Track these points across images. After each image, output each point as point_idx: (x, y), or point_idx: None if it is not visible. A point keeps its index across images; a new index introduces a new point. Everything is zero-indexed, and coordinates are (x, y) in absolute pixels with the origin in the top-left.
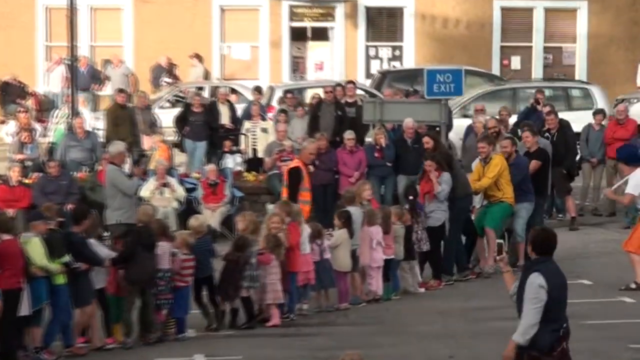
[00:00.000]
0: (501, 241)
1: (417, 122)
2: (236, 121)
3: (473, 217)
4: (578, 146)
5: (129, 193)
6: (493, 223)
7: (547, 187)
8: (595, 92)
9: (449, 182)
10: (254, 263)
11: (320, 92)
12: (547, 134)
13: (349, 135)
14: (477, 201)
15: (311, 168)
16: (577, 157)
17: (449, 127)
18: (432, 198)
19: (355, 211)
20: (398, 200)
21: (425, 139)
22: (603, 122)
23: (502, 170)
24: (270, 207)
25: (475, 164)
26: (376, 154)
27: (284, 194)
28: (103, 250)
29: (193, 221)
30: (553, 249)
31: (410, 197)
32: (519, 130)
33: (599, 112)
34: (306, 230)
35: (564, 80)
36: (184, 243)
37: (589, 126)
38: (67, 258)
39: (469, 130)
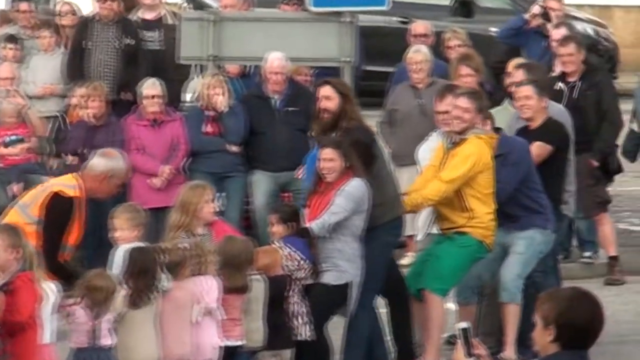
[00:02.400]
0: (465, 325)
1: (294, 60)
2: None
3: (406, 262)
4: (625, 115)
5: None
6: (441, 280)
7: (561, 196)
8: None
9: (359, 198)
10: None
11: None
12: (560, 87)
13: (149, 89)
14: (421, 228)
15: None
16: (622, 137)
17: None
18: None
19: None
20: (252, 225)
21: (325, 93)
22: None
23: (477, 169)
24: None
25: (430, 152)
26: (207, 128)
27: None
28: None
29: None
30: (594, 336)
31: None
32: (507, 81)
33: None
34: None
35: None
36: None
37: None
38: None
39: (401, 74)
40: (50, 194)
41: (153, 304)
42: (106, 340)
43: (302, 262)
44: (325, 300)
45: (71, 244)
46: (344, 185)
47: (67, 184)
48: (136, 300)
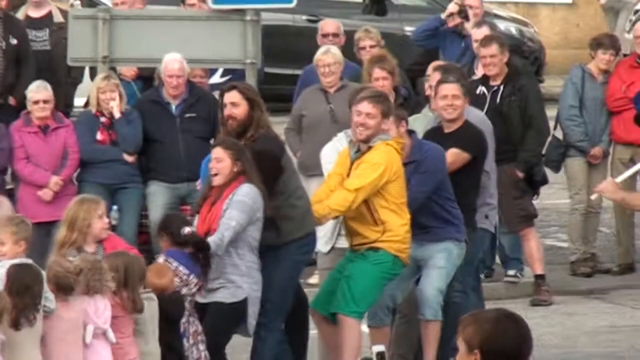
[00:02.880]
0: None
1: (193, 62)
2: None
3: (315, 281)
4: (550, 121)
5: None
6: (355, 302)
7: (475, 206)
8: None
9: (251, 206)
10: None
11: None
12: (482, 91)
13: (37, 92)
14: (325, 242)
15: None
16: (547, 144)
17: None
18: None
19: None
20: (149, 239)
21: (232, 99)
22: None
23: (387, 177)
24: None
25: (336, 156)
26: (100, 136)
27: None
28: None
29: None
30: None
31: (187, 231)
32: (424, 81)
33: (603, 44)
34: None
35: None
36: None
37: (581, 72)
38: None
39: (309, 77)
40: None
41: (35, 325)
42: None
43: (186, 277)
44: (221, 320)
45: None
46: (234, 193)
47: None
48: (17, 320)
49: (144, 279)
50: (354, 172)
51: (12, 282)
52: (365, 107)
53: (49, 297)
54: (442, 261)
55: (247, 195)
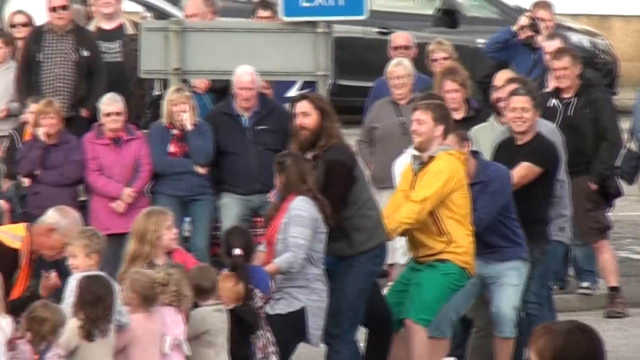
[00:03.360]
0: None
1: (265, 74)
2: None
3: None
4: (624, 134)
5: None
6: (425, 310)
7: (547, 220)
8: None
9: (311, 218)
10: None
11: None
12: (553, 104)
13: (109, 104)
14: (402, 254)
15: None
16: (621, 156)
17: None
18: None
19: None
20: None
21: (303, 109)
22: None
23: (452, 186)
24: None
25: (401, 172)
26: (172, 148)
27: None
28: None
29: None
30: None
31: (236, 252)
32: (494, 96)
33: None
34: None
35: None
36: None
37: None
38: None
39: (380, 89)
40: None
41: (109, 336)
42: None
43: (253, 291)
44: (279, 331)
45: (12, 298)
46: (289, 207)
47: (13, 234)
48: (89, 331)
49: (215, 291)
50: (418, 183)
51: (84, 294)
52: (416, 114)
53: (122, 312)
54: (516, 279)
55: (301, 208)
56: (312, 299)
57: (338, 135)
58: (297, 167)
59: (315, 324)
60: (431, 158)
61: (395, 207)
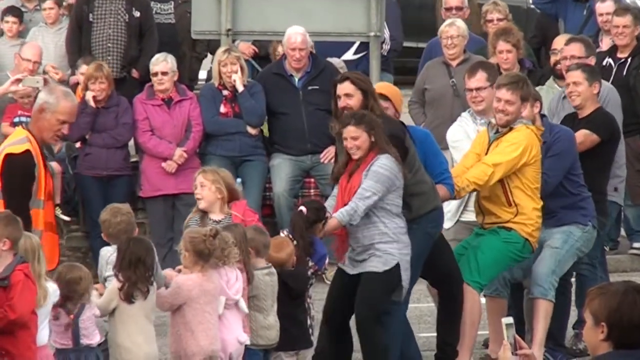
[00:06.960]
0: (511, 320)
1: (316, 35)
2: None
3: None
4: None
5: None
6: (479, 273)
7: (604, 192)
8: None
9: (389, 177)
10: None
11: None
12: (608, 63)
13: (160, 65)
14: (451, 215)
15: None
16: None
17: (394, 53)
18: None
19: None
20: (273, 212)
21: (345, 90)
22: None
23: (526, 159)
24: None
25: (462, 134)
26: (222, 109)
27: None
28: None
29: None
30: None
31: (301, 209)
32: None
33: None
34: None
35: None
36: None
37: None
38: None
39: (433, 50)
40: (2, 159)
41: (149, 297)
42: (90, 339)
43: (306, 259)
44: (376, 289)
45: (44, 197)
46: (371, 164)
47: (16, 141)
48: (129, 293)
49: (266, 252)
50: (493, 149)
51: (124, 256)
52: (504, 94)
53: (160, 274)
54: (559, 242)
55: (383, 165)
56: (403, 252)
57: (381, 112)
58: (383, 127)
59: (408, 277)
60: (510, 129)
61: (465, 169)
